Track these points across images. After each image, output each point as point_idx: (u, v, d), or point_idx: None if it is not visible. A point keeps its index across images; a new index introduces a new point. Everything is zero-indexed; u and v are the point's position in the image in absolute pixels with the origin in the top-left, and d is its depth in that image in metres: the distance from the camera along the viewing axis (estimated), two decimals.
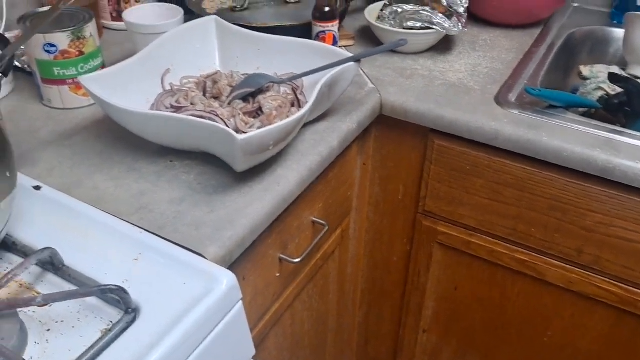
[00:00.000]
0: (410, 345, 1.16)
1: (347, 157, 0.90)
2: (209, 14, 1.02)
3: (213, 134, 0.64)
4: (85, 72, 0.82)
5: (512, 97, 0.90)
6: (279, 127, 0.63)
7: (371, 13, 1.05)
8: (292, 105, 0.78)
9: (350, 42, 1.06)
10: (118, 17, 1.06)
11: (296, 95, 0.79)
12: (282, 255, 0.77)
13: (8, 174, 0.53)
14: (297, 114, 0.65)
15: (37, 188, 0.66)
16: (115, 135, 0.76)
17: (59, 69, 0.81)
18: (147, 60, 0.78)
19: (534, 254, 0.92)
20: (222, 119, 0.72)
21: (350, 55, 0.77)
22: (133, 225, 0.62)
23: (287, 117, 0.75)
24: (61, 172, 0.71)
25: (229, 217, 0.64)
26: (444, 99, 0.89)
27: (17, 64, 0.91)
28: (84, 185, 0.69)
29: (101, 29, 1.08)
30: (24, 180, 0.67)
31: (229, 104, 0.77)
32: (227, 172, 0.70)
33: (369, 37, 1.07)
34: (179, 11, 0.89)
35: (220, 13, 1.04)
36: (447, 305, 1.07)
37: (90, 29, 0.81)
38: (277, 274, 0.79)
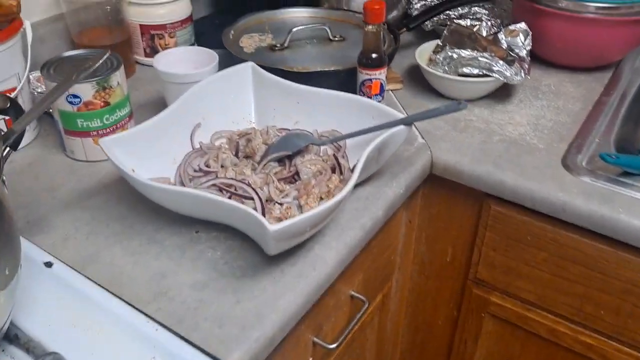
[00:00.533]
0: None
1: (393, 221, 0.81)
2: (247, 53, 0.96)
3: (243, 217, 0.56)
4: (111, 124, 0.76)
5: (583, 159, 0.79)
6: (316, 214, 0.54)
7: (422, 55, 0.96)
8: (333, 170, 0.70)
9: (399, 86, 0.97)
10: (152, 53, 1.00)
11: (337, 160, 0.70)
12: (316, 339, 0.69)
13: (7, 272, 0.46)
14: (338, 196, 0.56)
15: (49, 265, 0.60)
16: (136, 197, 0.69)
17: (82, 120, 0.74)
18: (176, 115, 0.71)
19: (602, 338, 0.81)
20: (253, 188, 0.64)
21: (402, 116, 0.69)
22: (149, 318, 0.55)
23: (327, 186, 0.67)
24: (77, 241, 0.65)
25: (257, 310, 0.56)
26: (504, 159, 0.79)
27: None
28: (100, 259, 0.62)
29: (134, 65, 1.02)
30: (35, 253, 0.62)
31: (264, 166, 0.70)
32: (257, 249, 0.62)
33: (418, 79, 0.98)
34: (213, 57, 0.82)
35: (259, 52, 0.96)
36: None
37: (118, 77, 0.75)
38: (310, 359, 0.70)
